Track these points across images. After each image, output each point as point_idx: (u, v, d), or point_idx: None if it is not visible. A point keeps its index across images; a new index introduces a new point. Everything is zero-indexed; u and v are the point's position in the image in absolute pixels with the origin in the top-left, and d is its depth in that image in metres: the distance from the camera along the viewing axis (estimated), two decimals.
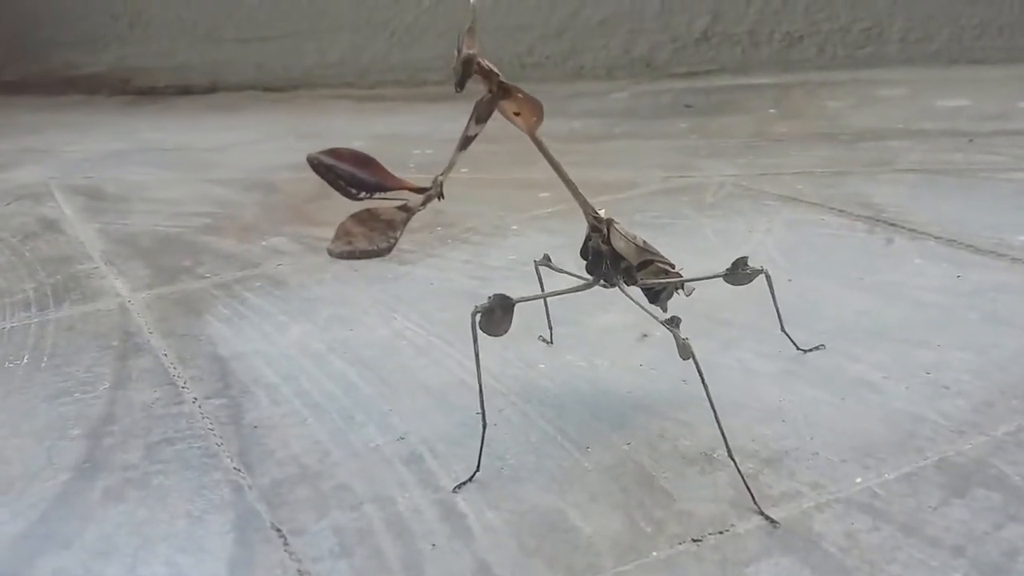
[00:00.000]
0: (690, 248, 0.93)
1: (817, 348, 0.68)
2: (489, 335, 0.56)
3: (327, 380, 0.71)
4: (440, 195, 0.52)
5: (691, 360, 0.52)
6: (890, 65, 1.84)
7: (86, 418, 0.68)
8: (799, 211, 1.03)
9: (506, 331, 0.56)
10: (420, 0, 2.16)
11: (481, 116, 0.52)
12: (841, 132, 1.40)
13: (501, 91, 0.52)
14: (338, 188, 0.50)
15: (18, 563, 0.52)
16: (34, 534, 0.55)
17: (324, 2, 2.23)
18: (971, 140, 1.27)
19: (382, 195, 0.51)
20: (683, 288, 0.63)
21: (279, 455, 0.61)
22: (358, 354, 0.75)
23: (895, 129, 1.39)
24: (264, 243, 1.07)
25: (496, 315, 0.55)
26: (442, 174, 0.52)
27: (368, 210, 0.50)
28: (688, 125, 1.56)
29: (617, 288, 0.59)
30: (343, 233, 0.50)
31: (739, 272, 0.61)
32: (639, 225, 1.02)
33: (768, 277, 0.62)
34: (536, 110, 0.53)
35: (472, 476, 0.56)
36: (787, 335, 0.67)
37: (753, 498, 0.51)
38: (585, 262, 0.60)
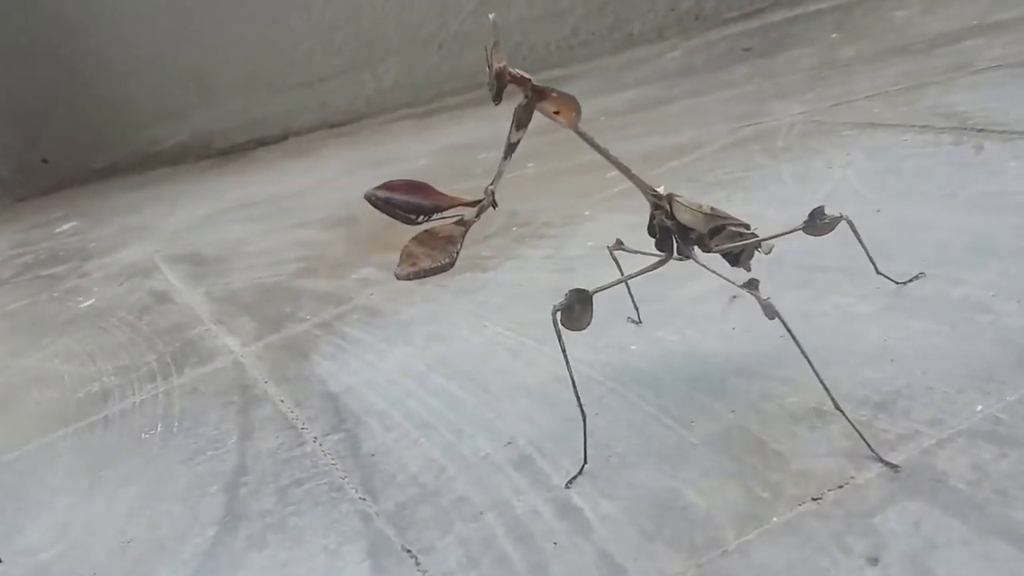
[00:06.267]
0: (769, 199, 0.92)
1: (917, 277, 0.67)
2: (573, 331, 0.57)
3: (431, 398, 0.74)
4: (494, 204, 0.54)
5: (778, 319, 0.53)
6: None
7: (221, 473, 0.72)
8: (878, 136, 1.01)
9: (588, 324, 0.58)
10: (460, 7, 2.19)
11: (521, 122, 0.54)
12: (912, 43, 1.35)
13: (536, 95, 0.54)
14: (398, 217, 0.53)
15: None
16: None
17: (371, 32, 2.28)
18: None
19: (439, 215, 0.53)
20: (761, 247, 0.63)
21: (399, 478, 0.64)
22: (456, 367, 0.78)
23: (969, 27, 1.34)
24: (354, 276, 1.11)
25: (575, 310, 0.57)
26: (492, 184, 0.54)
27: (427, 231, 0.53)
28: (749, 69, 1.54)
29: (692, 260, 0.60)
30: (407, 256, 0.53)
31: (817, 222, 0.59)
32: (712, 184, 1.03)
33: (850, 223, 0.60)
34: (572, 105, 0.55)
35: (581, 469, 0.58)
36: (883, 275, 0.66)
37: (869, 446, 0.50)
38: (654, 239, 0.61)
